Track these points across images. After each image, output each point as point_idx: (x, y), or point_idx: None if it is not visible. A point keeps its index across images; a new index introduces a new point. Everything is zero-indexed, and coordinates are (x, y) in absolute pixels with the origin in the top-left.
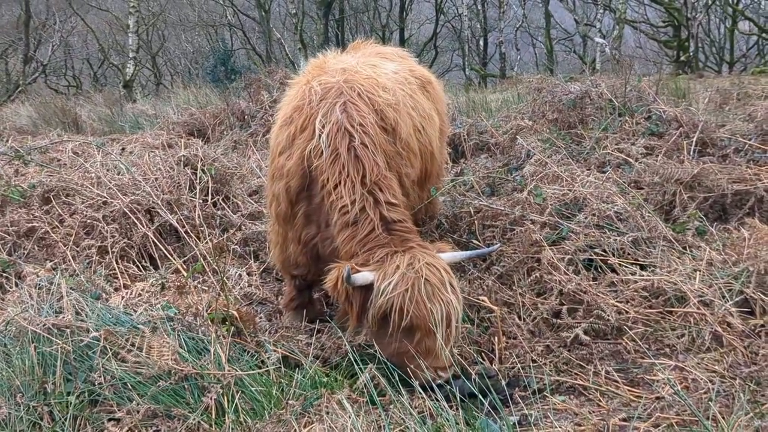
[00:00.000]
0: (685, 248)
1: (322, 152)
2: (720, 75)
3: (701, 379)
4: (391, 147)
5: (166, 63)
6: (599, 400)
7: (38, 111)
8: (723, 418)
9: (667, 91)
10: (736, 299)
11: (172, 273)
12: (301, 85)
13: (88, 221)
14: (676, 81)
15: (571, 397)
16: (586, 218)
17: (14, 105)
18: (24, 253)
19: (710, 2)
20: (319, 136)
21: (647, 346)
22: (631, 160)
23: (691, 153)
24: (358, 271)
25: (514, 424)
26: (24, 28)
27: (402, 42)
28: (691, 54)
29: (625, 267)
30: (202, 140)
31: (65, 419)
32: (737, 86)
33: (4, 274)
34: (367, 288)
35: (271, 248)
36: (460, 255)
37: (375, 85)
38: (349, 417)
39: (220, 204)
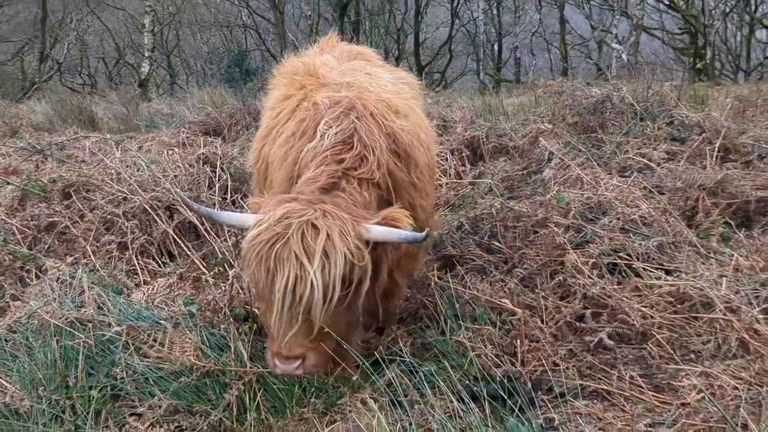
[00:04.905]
0: (710, 254)
1: None
2: (736, 83)
3: (728, 385)
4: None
5: (181, 63)
6: (624, 405)
7: (54, 108)
8: (753, 424)
9: (686, 98)
10: (764, 306)
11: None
12: (297, 98)
13: (108, 217)
14: (694, 88)
15: (595, 401)
16: (610, 222)
17: (30, 102)
18: (44, 248)
19: (728, 10)
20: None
21: (672, 352)
22: (652, 164)
23: (714, 159)
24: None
25: (541, 426)
26: (40, 26)
27: (417, 45)
28: (708, 62)
29: (650, 271)
30: (218, 139)
31: (87, 413)
32: (756, 93)
33: (25, 268)
34: None
35: None
36: (391, 232)
37: (386, 109)
38: (374, 416)
39: (239, 202)
